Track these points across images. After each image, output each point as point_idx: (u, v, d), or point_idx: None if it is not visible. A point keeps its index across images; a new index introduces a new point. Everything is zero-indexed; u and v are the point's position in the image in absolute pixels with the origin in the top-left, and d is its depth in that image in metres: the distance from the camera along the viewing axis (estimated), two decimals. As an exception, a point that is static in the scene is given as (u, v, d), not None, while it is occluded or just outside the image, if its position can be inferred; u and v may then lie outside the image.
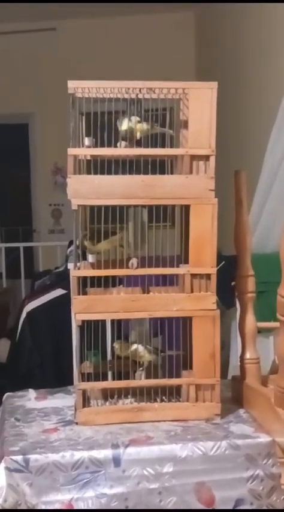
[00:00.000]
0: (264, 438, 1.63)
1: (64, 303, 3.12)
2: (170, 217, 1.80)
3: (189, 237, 1.76)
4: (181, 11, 5.75)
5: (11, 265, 5.23)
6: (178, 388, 1.80)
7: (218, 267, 1.79)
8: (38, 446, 1.59)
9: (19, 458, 1.53)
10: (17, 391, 2.10)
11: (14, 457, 1.53)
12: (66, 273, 3.29)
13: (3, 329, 4.47)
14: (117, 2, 5.10)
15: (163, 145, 1.78)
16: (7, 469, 1.52)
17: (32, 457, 1.54)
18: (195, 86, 1.74)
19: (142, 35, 5.82)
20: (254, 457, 1.61)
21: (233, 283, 2.37)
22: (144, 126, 1.75)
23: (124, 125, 1.76)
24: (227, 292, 2.82)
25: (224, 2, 4.57)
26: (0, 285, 5.23)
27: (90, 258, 1.83)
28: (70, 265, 3.06)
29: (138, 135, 1.76)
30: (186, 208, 1.77)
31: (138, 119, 1.76)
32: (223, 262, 2.27)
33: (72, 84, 1.71)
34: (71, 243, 3.63)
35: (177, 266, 1.80)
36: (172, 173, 1.80)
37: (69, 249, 3.62)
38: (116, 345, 1.84)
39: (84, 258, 1.88)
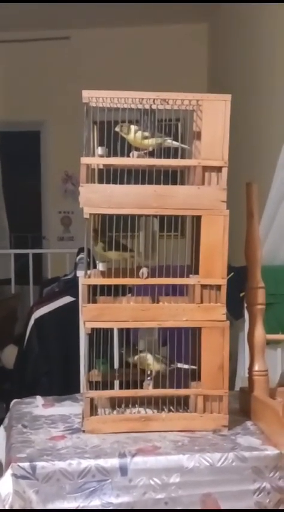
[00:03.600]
0: (271, 451, 1.63)
1: (72, 310, 3.14)
2: (181, 226, 1.81)
3: (199, 247, 1.76)
4: (196, 22, 5.78)
5: (20, 272, 5.25)
6: (186, 398, 1.80)
7: (228, 277, 1.79)
8: (45, 454, 1.59)
9: (26, 465, 1.53)
10: (23, 397, 2.10)
11: (21, 464, 1.53)
12: (74, 280, 3.30)
13: (11, 335, 4.48)
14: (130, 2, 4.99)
15: (175, 156, 1.79)
16: (14, 475, 1.52)
17: (39, 464, 1.54)
18: (209, 97, 1.75)
19: (156, 45, 5.85)
20: (261, 470, 1.60)
21: (242, 294, 2.37)
22: (154, 141, 1.77)
23: (130, 137, 1.77)
24: (236, 303, 2.83)
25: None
26: (8, 290, 5.24)
27: (101, 266, 1.84)
28: (79, 273, 3.08)
29: (150, 148, 1.77)
30: (197, 219, 1.78)
31: (145, 134, 1.77)
32: (232, 273, 2.28)
33: (86, 94, 1.73)
34: (80, 250, 3.64)
35: (187, 276, 1.81)
36: (183, 184, 1.80)
37: (78, 257, 3.63)
38: (124, 351, 1.85)
39: (95, 266, 1.89)
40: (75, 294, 3.16)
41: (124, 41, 5.87)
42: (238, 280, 2.29)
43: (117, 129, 1.77)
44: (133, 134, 1.77)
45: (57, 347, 3.39)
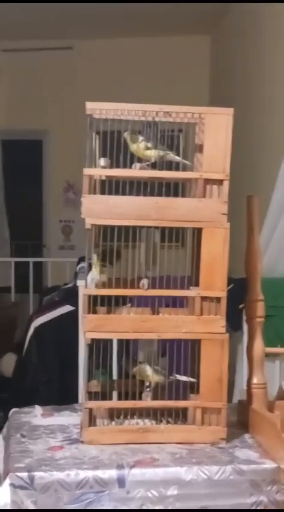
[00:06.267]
0: (269, 464, 1.63)
1: (72, 319, 3.14)
2: (181, 237, 1.81)
3: (200, 259, 1.77)
4: (198, 33, 5.81)
5: (20, 280, 5.25)
6: (185, 410, 1.80)
7: (227, 289, 1.79)
8: (43, 464, 1.59)
9: (24, 475, 1.53)
10: (21, 406, 2.09)
11: (19, 474, 1.53)
12: (74, 289, 3.31)
13: (10, 343, 4.48)
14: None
15: (177, 168, 1.80)
16: (12, 485, 1.52)
17: (37, 474, 1.54)
18: (212, 111, 1.76)
19: (158, 56, 5.88)
20: (258, 483, 1.60)
21: (241, 306, 2.37)
22: (157, 152, 1.78)
23: (132, 146, 1.78)
24: (235, 314, 2.83)
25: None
26: (8, 298, 5.25)
27: (102, 277, 1.84)
28: (79, 282, 3.08)
29: (153, 159, 1.78)
30: (198, 231, 1.78)
31: (148, 145, 1.78)
32: (232, 284, 2.29)
33: (90, 106, 1.74)
34: (80, 259, 3.65)
35: (187, 288, 1.81)
36: (184, 196, 1.81)
37: (78, 266, 3.63)
38: (124, 362, 1.85)
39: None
40: (75, 303, 3.16)
41: (127, 52, 5.90)
42: (238, 292, 2.29)
43: (126, 135, 1.78)
44: (138, 144, 1.78)
45: (56, 356, 3.39)
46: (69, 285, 3.80)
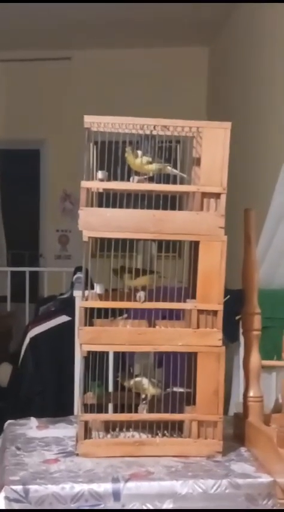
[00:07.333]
0: (265, 478, 1.62)
1: (68, 330, 3.14)
2: (178, 248, 1.82)
3: (196, 271, 1.77)
4: (197, 45, 5.84)
5: (16, 289, 5.24)
6: (181, 423, 1.80)
7: (224, 300, 1.79)
8: (38, 477, 1.58)
9: (19, 488, 1.53)
10: (16, 416, 2.09)
11: (14, 487, 1.53)
12: (71, 299, 3.30)
13: (6, 353, 4.47)
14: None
15: (175, 181, 1.81)
16: (7, 498, 1.51)
17: (32, 487, 1.53)
18: (209, 125, 1.76)
19: (156, 67, 5.90)
20: (254, 497, 1.59)
21: (237, 318, 2.37)
22: (155, 166, 1.78)
23: (131, 160, 1.78)
24: (231, 326, 2.83)
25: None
26: (4, 308, 5.23)
27: (98, 288, 1.85)
28: (76, 293, 3.08)
29: (151, 173, 1.79)
30: (195, 244, 1.79)
31: (148, 159, 1.78)
32: (228, 296, 2.29)
33: (88, 119, 1.74)
34: (77, 269, 3.64)
35: (184, 300, 1.81)
36: (181, 209, 1.81)
37: (75, 276, 3.63)
38: (120, 378, 1.85)
39: (92, 287, 1.89)
40: (71, 314, 3.16)
41: (125, 62, 5.92)
42: (234, 304, 2.29)
43: (127, 154, 1.78)
44: (139, 159, 1.78)
45: (51, 367, 3.38)
46: (66, 295, 3.79)
